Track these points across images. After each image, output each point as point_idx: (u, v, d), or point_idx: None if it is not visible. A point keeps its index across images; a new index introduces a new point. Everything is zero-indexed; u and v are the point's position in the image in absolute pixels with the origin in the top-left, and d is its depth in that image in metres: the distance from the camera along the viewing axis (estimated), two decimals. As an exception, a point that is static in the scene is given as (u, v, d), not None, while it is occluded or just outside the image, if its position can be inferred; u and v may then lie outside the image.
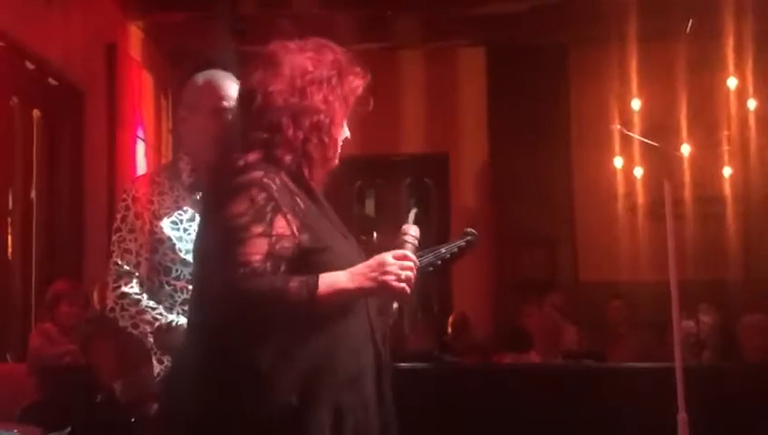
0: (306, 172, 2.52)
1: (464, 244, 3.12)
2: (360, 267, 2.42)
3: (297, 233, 2.40)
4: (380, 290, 2.43)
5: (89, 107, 8.01)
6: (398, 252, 2.47)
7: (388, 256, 2.44)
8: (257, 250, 2.32)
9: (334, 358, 2.41)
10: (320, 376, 2.38)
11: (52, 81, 7.48)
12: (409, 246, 2.53)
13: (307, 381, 2.37)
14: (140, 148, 8.89)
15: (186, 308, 3.16)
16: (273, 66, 2.58)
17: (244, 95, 2.60)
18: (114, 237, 3.26)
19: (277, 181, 2.41)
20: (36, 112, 7.41)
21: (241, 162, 2.44)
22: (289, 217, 2.39)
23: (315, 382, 2.38)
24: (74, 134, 7.87)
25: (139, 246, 3.23)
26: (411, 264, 2.46)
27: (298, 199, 2.44)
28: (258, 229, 2.34)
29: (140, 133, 8.92)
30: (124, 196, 3.30)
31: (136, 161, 8.72)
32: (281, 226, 2.37)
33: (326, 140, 2.54)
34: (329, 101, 2.54)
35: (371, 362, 2.50)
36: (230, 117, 3.17)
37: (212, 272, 2.40)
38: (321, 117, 2.52)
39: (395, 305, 2.63)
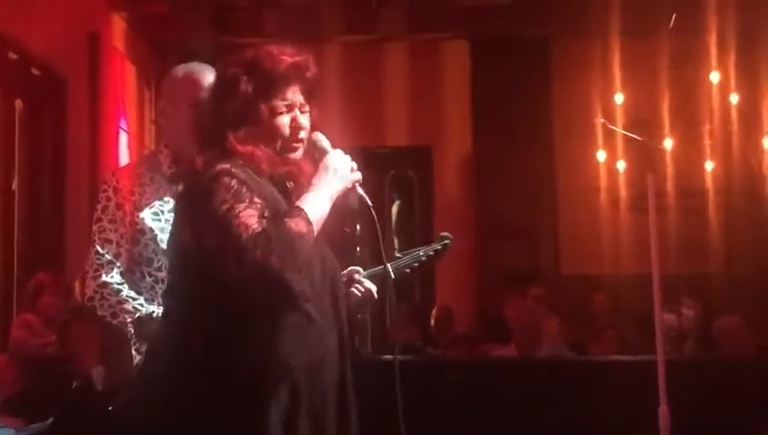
0: (268, 161, 2.63)
1: (440, 247, 3.29)
2: (320, 181, 2.61)
3: (266, 214, 2.50)
4: (346, 184, 2.66)
5: (71, 97, 7.98)
6: (333, 151, 2.71)
7: (330, 157, 2.67)
8: (249, 218, 2.43)
9: (295, 343, 2.49)
10: (280, 360, 2.47)
11: (34, 71, 7.45)
12: (328, 147, 2.73)
13: (267, 365, 2.45)
14: (123, 139, 8.86)
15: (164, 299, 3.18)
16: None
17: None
18: (95, 227, 3.26)
19: (241, 171, 2.53)
20: (18, 102, 7.37)
21: (204, 159, 2.58)
22: (257, 200, 2.49)
23: (275, 367, 2.46)
24: (57, 125, 7.84)
25: (120, 237, 3.23)
26: (346, 155, 2.69)
27: (261, 187, 2.56)
28: (242, 205, 2.45)
29: (123, 124, 8.89)
30: (105, 186, 3.30)
31: (118, 152, 8.69)
32: (259, 202, 2.49)
33: (270, 129, 2.65)
34: (246, 100, 2.63)
35: (335, 350, 2.59)
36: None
37: (221, 257, 2.46)
38: (244, 111, 2.63)
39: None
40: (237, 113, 2.61)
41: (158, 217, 3.25)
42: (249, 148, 2.59)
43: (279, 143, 2.66)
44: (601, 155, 9.50)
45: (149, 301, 3.19)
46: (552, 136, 10.67)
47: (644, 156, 5.26)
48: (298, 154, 2.70)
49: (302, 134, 2.69)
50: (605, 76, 9.36)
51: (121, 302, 3.17)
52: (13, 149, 7.30)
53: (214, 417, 2.44)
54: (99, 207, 3.28)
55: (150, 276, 3.24)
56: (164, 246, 3.20)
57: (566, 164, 10.51)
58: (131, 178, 3.31)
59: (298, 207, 2.52)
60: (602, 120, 8.33)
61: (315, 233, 2.51)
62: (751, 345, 6.58)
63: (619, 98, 9.03)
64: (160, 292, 3.21)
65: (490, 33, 10.12)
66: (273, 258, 2.36)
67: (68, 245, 7.79)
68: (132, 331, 3.14)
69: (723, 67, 9.03)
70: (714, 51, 8.93)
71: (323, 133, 2.76)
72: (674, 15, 8.66)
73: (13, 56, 7.05)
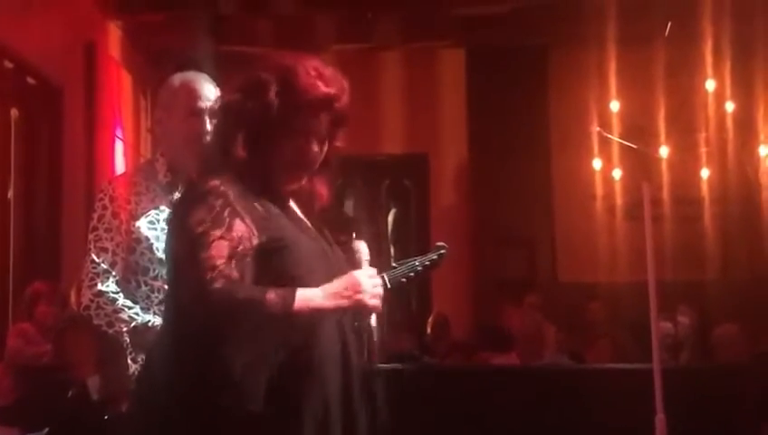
0: (272, 178, 2.58)
1: (436, 257, 3.31)
2: (335, 286, 2.48)
3: (256, 234, 2.44)
4: (356, 307, 2.53)
5: (67, 106, 7.97)
6: (368, 270, 2.61)
7: (360, 276, 2.54)
8: (219, 253, 2.36)
9: (299, 357, 2.45)
10: (282, 374, 2.42)
11: (30, 79, 7.45)
12: (367, 263, 2.69)
13: (264, 374, 2.41)
14: (119, 147, 8.86)
15: (162, 308, 3.17)
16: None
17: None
18: (91, 236, 3.26)
19: (233, 187, 2.46)
20: (14, 111, 7.36)
21: (201, 169, 2.56)
22: (247, 220, 2.43)
23: (272, 376, 2.42)
24: (53, 133, 7.83)
25: (116, 245, 3.23)
26: (379, 280, 2.61)
27: (257, 205, 2.49)
28: (218, 233, 2.38)
29: (119, 133, 8.89)
30: (101, 195, 3.30)
31: (114, 161, 8.69)
32: (239, 229, 2.42)
33: (282, 149, 2.57)
34: (268, 112, 2.54)
35: (338, 361, 2.53)
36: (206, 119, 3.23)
37: (181, 278, 2.45)
38: (264, 129, 2.55)
39: (372, 321, 2.76)
40: (253, 121, 2.53)
41: (154, 226, 3.25)
42: (252, 158, 2.53)
43: (285, 164, 2.59)
44: (597, 163, 9.51)
45: (145, 310, 3.19)
46: (548, 144, 10.68)
47: (640, 164, 5.26)
48: (304, 179, 2.65)
49: (310, 162, 2.62)
50: (601, 85, 9.37)
51: (117, 311, 3.16)
52: (8, 158, 7.29)
53: (211, 427, 2.41)
54: (95, 215, 3.28)
55: (146, 285, 3.24)
56: (160, 254, 3.20)
57: (562, 172, 10.53)
58: (127, 186, 3.31)
59: (292, 290, 2.40)
60: (598, 128, 8.35)
61: (290, 316, 2.39)
62: (748, 353, 6.57)
63: (614, 106, 9.05)
64: (156, 301, 3.21)
65: (486, 41, 10.13)
66: (225, 317, 2.34)
67: (64, 254, 7.78)
68: (128, 340, 3.14)
69: (718, 75, 9.04)
70: (709, 59, 8.94)
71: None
72: (669, 24, 8.68)
73: (8, 65, 7.04)
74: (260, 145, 2.54)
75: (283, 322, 2.37)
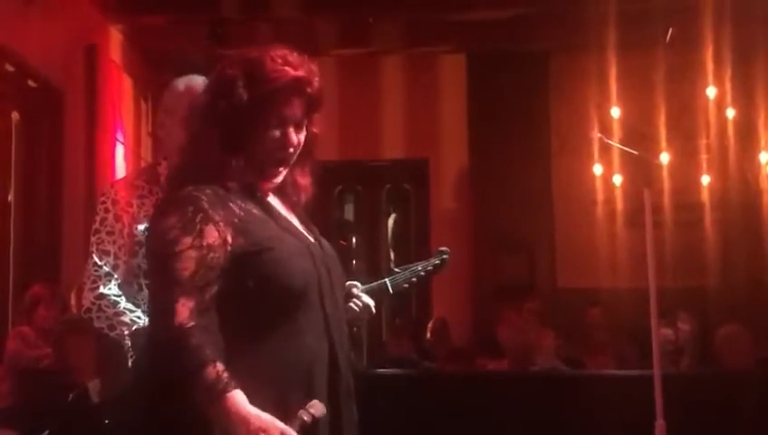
0: (251, 176, 2.54)
1: (438, 262, 3.26)
2: (254, 418, 2.27)
3: (231, 240, 2.40)
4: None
5: (68, 109, 7.98)
6: (283, 426, 2.31)
7: (277, 426, 2.29)
8: (186, 265, 2.33)
9: (282, 354, 2.42)
10: (265, 372, 2.38)
11: (31, 83, 7.45)
12: (298, 424, 2.36)
13: (251, 376, 2.34)
14: (119, 151, 8.86)
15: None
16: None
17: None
18: (93, 239, 3.26)
19: (207, 192, 2.43)
20: (15, 114, 7.37)
21: (174, 178, 2.53)
22: (221, 225, 2.40)
23: (259, 377, 2.36)
24: (53, 137, 7.83)
25: (118, 248, 3.23)
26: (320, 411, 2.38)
27: (232, 205, 2.45)
28: (188, 241, 2.35)
29: (119, 136, 8.89)
30: (103, 198, 3.30)
31: (115, 164, 8.69)
32: (212, 236, 2.38)
33: (260, 142, 2.53)
34: (239, 107, 2.50)
35: (324, 361, 2.48)
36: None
37: (150, 289, 2.47)
38: (238, 125, 2.51)
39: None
40: (227, 118, 2.49)
41: None
42: (229, 156, 2.49)
43: (265, 158, 2.55)
44: (598, 169, 9.50)
45: (147, 313, 3.18)
46: (548, 150, 10.67)
47: (641, 170, 5.26)
48: (279, 178, 2.61)
49: (291, 150, 2.57)
50: (602, 90, 9.36)
51: (119, 314, 3.16)
52: (9, 161, 7.30)
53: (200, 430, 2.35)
54: (97, 218, 3.28)
55: (148, 289, 3.23)
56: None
57: (563, 177, 10.52)
58: (130, 189, 3.31)
59: (235, 387, 2.26)
60: (599, 134, 8.34)
61: (213, 403, 2.25)
62: (752, 355, 6.56)
63: (615, 112, 9.03)
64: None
65: (487, 46, 10.13)
66: (165, 354, 2.30)
67: (64, 257, 7.78)
68: (129, 343, 3.13)
69: (719, 82, 9.03)
70: (710, 65, 8.93)
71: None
72: (670, 30, 8.68)
73: (9, 68, 7.05)
74: (236, 143, 2.50)
75: (207, 402, 2.25)
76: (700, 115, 9.42)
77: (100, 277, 3.21)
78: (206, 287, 2.34)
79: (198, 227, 2.37)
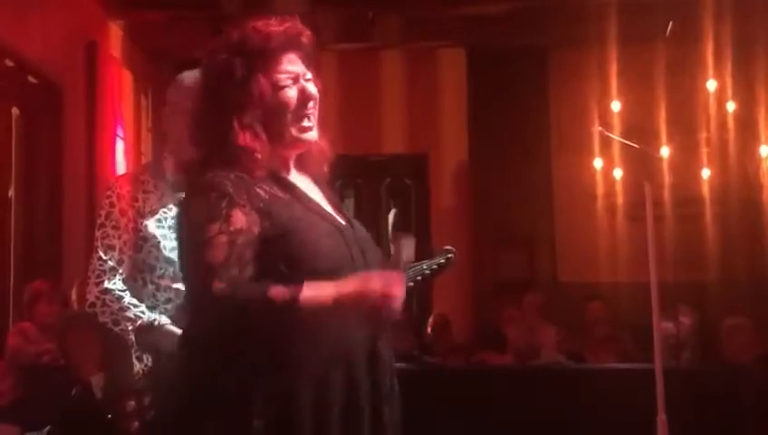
0: (273, 152, 2.48)
1: (443, 261, 3.22)
2: (349, 285, 2.31)
3: (258, 224, 2.36)
4: (367, 315, 2.34)
5: (68, 105, 7.97)
6: (391, 278, 2.35)
7: (377, 282, 2.32)
8: (218, 251, 2.29)
9: (319, 339, 2.36)
10: (303, 359, 2.34)
11: (31, 78, 7.44)
12: (402, 258, 2.47)
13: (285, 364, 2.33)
14: (120, 146, 8.85)
15: (168, 307, 3.18)
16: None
17: None
18: (97, 233, 3.25)
19: (231, 176, 2.38)
20: (15, 110, 7.36)
21: (196, 165, 2.47)
22: (247, 208, 2.35)
23: (298, 364, 2.34)
24: (53, 132, 7.82)
25: (123, 243, 3.23)
26: (398, 294, 2.33)
27: (257, 190, 2.41)
28: (216, 227, 2.31)
29: (120, 132, 8.88)
30: (108, 193, 3.30)
31: (115, 160, 8.68)
32: (239, 221, 2.34)
33: (270, 107, 2.47)
34: (240, 76, 2.46)
35: (362, 345, 2.44)
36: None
37: (187, 279, 2.43)
38: (249, 101, 2.46)
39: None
40: (238, 97, 2.44)
41: (162, 225, 3.24)
42: (249, 138, 2.42)
43: (288, 118, 2.48)
44: (598, 163, 9.50)
45: (151, 309, 3.18)
46: (548, 144, 10.68)
47: (641, 164, 5.26)
48: (312, 134, 2.54)
49: (311, 104, 2.52)
50: (602, 84, 9.37)
51: (123, 309, 3.16)
52: (9, 157, 7.29)
53: (238, 415, 2.34)
54: (102, 213, 3.27)
55: (152, 284, 3.23)
56: (167, 253, 3.20)
57: (563, 172, 10.52)
58: (135, 184, 3.31)
59: (297, 288, 2.26)
60: (600, 128, 8.34)
61: (301, 313, 2.26)
62: (757, 347, 6.56)
63: (615, 106, 9.04)
64: (162, 299, 3.21)
65: (487, 41, 10.13)
66: (231, 317, 2.26)
67: (64, 252, 7.78)
68: (133, 339, 3.13)
69: (719, 75, 9.04)
70: (710, 59, 8.94)
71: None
72: (670, 24, 8.67)
73: (9, 64, 7.04)
74: (252, 121, 2.45)
75: (291, 313, 2.25)
76: (700, 109, 9.42)
77: (104, 272, 3.21)
78: (240, 271, 2.30)
79: (225, 212, 2.33)
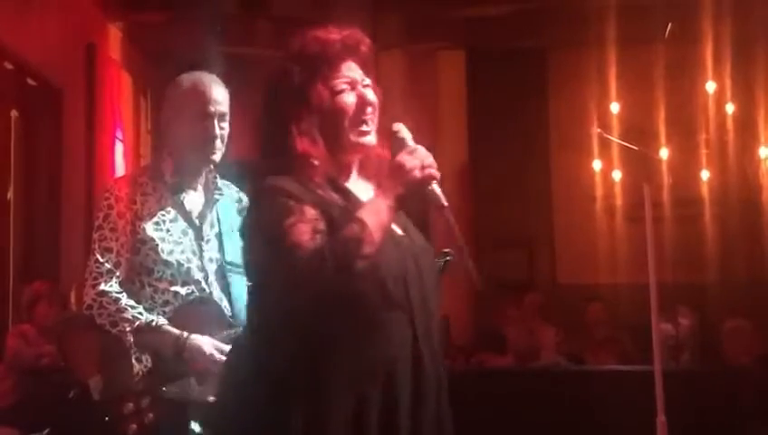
0: (334, 158, 2.51)
1: (442, 263, 3.19)
2: (386, 181, 2.43)
3: (323, 222, 2.37)
4: (413, 187, 2.43)
5: (67, 107, 7.97)
6: (407, 148, 2.50)
7: (400, 157, 2.46)
8: (302, 237, 2.30)
9: (364, 355, 2.37)
10: (347, 374, 2.35)
11: (30, 80, 7.44)
12: (409, 141, 2.56)
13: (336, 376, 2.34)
14: (119, 148, 8.85)
15: (166, 310, 3.17)
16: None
17: None
18: (95, 235, 3.25)
19: (290, 180, 2.40)
20: (14, 112, 7.36)
21: (258, 172, 2.49)
22: (314, 209, 2.37)
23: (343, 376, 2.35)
24: (52, 134, 7.83)
25: (120, 246, 3.22)
26: (422, 150, 2.49)
27: (316, 194, 2.42)
28: (291, 220, 2.32)
29: (119, 134, 8.88)
30: (107, 195, 3.29)
31: (114, 162, 8.68)
32: (309, 212, 2.36)
33: (328, 114, 2.50)
34: (298, 83, 2.50)
35: (407, 356, 2.43)
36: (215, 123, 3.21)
37: (270, 272, 2.39)
38: (303, 99, 2.49)
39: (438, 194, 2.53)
40: (296, 104, 2.47)
41: (160, 227, 3.24)
42: (307, 144, 2.45)
43: (346, 123, 2.51)
44: (597, 164, 9.51)
45: (149, 311, 3.18)
46: (548, 145, 10.69)
47: (640, 165, 5.26)
48: (370, 138, 2.57)
49: (370, 110, 2.56)
50: (601, 86, 9.37)
51: (121, 310, 3.15)
52: (8, 159, 7.29)
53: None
54: (100, 215, 3.27)
55: (150, 286, 3.23)
56: (165, 256, 3.20)
57: (562, 173, 10.53)
58: (133, 186, 3.30)
59: (356, 216, 2.34)
60: (599, 129, 8.34)
61: (377, 239, 2.32)
62: (755, 351, 6.57)
63: (614, 107, 9.04)
64: (160, 302, 3.20)
65: (486, 43, 10.13)
66: (329, 275, 2.25)
67: (63, 254, 7.78)
68: (131, 340, 3.13)
69: (718, 77, 9.04)
70: (709, 60, 8.95)
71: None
72: (669, 25, 8.67)
73: (8, 66, 7.04)
74: (310, 127, 2.48)
75: (365, 245, 2.29)
76: (699, 110, 9.42)
77: (101, 274, 3.20)
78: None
79: (296, 207, 2.35)
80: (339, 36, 2.55)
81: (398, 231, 2.56)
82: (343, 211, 2.41)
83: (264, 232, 2.39)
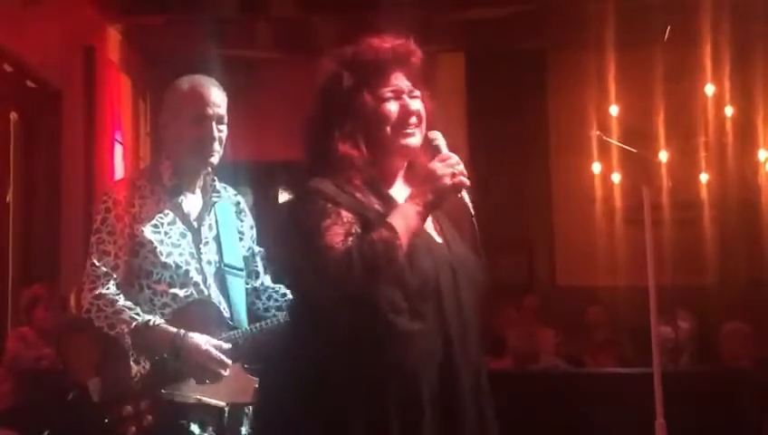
0: (376, 162, 2.57)
1: None
2: (414, 189, 2.50)
3: (357, 224, 2.44)
4: (443, 194, 2.50)
5: (66, 109, 7.96)
6: (440, 155, 2.54)
7: (432, 164, 2.51)
8: (335, 238, 2.37)
9: (385, 360, 2.40)
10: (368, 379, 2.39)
11: (29, 83, 7.44)
12: (443, 148, 2.59)
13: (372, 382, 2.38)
14: (118, 151, 8.85)
15: (165, 312, 3.17)
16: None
17: None
18: (93, 239, 3.25)
19: (329, 183, 2.47)
20: (13, 115, 7.35)
21: (303, 172, 2.56)
22: (349, 210, 2.44)
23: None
24: (52, 137, 7.82)
25: (118, 249, 3.22)
26: (455, 158, 2.53)
27: (355, 198, 2.48)
28: (328, 222, 2.39)
29: (118, 136, 8.88)
30: (105, 198, 3.30)
31: (114, 164, 8.67)
32: (346, 216, 2.42)
33: (371, 120, 2.57)
34: (346, 88, 2.58)
35: (435, 361, 2.45)
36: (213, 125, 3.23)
37: (302, 270, 2.47)
38: (348, 104, 2.57)
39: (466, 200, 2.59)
40: (342, 108, 2.56)
41: (158, 230, 3.24)
42: (348, 147, 2.52)
43: (388, 130, 2.57)
44: (597, 167, 9.50)
45: (148, 313, 3.18)
46: (547, 148, 10.68)
47: (639, 168, 5.26)
48: (413, 142, 2.62)
49: (414, 120, 2.61)
50: (600, 89, 9.36)
51: (118, 312, 3.15)
52: (7, 162, 7.28)
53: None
54: (98, 218, 3.27)
55: (149, 289, 3.23)
56: (164, 259, 3.21)
57: (562, 176, 10.52)
58: (131, 189, 3.31)
59: (386, 221, 2.41)
60: (598, 132, 8.34)
61: (405, 243, 2.39)
62: (754, 352, 6.57)
63: (614, 110, 9.03)
64: (159, 304, 3.20)
65: (485, 45, 10.12)
66: (356, 276, 2.30)
67: (63, 257, 7.77)
68: (129, 341, 3.13)
69: (718, 80, 9.03)
70: (709, 63, 8.94)
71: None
72: (669, 28, 8.67)
73: (8, 68, 7.04)
74: (353, 131, 2.55)
75: (395, 248, 2.36)
76: (699, 113, 9.42)
77: (98, 277, 3.20)
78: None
79: (333, 209, 2.42)
80: (390, 45, 2.61)
81: (437, 239, 2.62)
82: (379, 216, 2.46)
83: (299, 232, 2.45)
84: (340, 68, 2.60)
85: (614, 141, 6.74)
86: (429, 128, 2.65)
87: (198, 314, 3.22)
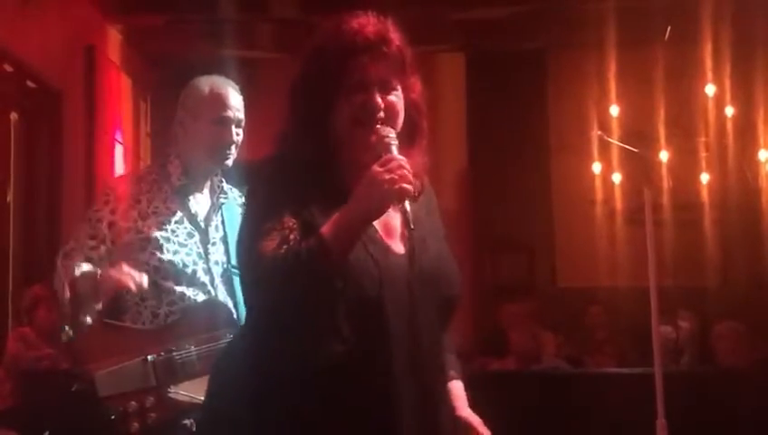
0: (331, 163, 2.35)
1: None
2: (354, 193, 2.19)
3: (296, 225, 2.23)
4: (381, 201, 2.18)
5: (67, 110, 7.96)
6: (383, 159, 2.22)
7: (373, 168, 2.19)
8: (271, 241, 2.18)
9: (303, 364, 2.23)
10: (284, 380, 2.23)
11: (30, 83, 7.44)
12: (393, 147, 2.27)
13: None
14: (119, 151, 8.85)
15: (173, 309, 3.19)
16: None
17: None
18: (92, 214, 3.28)
19: (284, 179, 2.29)
20: (14, 115, 7.35)
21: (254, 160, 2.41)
22: (290, 207, 2.24)
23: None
24: (52, 137, 7.82)
25: (104, 236, 3.24)
26: (399, 161, 2.20)
27: (309, 194, 2.27)
28: (269, 225, 2.20)
29: (119, 136, 8.88)
30: (107, 190, 3.31)
31: (114, 165, 8.68)
32: (287, 222, 2.22)
33: (339, 110, 2.33)
34: (312, 75, 2.35)
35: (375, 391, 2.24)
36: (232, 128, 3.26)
37: (239, 269, 2.40)
38: (318, 88, 2.34)
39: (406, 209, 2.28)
40: (312, 90, 2.31)
41: (165, 227, 3.25)
42: (309, 144, 2.30)
43: (351, 129, 2.31)
44: (597, 167, 9.51)
45: (155, 307, 3.19)
46: (547, 148, 10.68)
47: (640, 168, 5.26)
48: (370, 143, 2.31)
49: (382, 114, 2.32)
50: (600, 89, 9.37)
51: (66, 266, 3.18)
52: (8, 162, 7.28)
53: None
54: (104, 208, 3.28)
55: (156, 285, 3.22)
56: (170, 256, 3.21)
57: (562, 176, 10.52)
58: (138, 184, 3.31)
59: (318, 231, 2.16)
60: (598, 132, 8.34)
61: (337, 257, 2.14)
62: (748, 351, 6.57)
63: (614, 110, 9.04)
64: (166, 301, 3.20)
65: (486, 45, 10.13)
66: (276, 290, 2.17)
67: (63, 257, 7.75)
68: (68, 295, 3.14)
69: (718, 79, 9.04)
70: (709, 63, 8.94)
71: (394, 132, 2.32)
72: (669, 28, 8.67)
73: (8, 68, 7.04)
74: (317, 118, 2.33)
75: (325, 257, 2.12)
76: (699, 113, 9.42)
77: (79, 252, 3.23)
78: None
79: (276, 212, 2.23)
80: (360, 33, 2.36)
81: (397, 249, 2.36)
82: (325, 220, 2.22)
83: (242, 231, 2.32)
84: (311, 50, 2.37)
85: (615, 141, 6.75)
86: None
87: (207, 313, 3.22)
